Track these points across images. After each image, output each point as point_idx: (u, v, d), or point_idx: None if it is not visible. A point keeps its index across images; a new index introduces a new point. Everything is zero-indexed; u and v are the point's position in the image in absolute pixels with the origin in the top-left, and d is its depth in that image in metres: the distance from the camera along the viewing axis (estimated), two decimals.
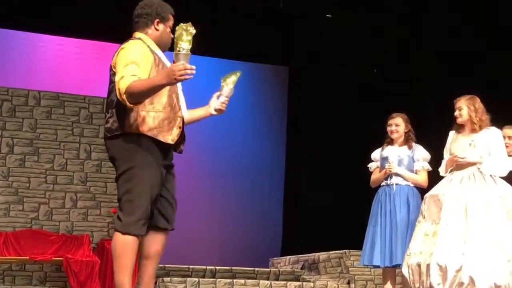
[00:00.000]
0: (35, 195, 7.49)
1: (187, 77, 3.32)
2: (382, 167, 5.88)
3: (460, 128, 5.38)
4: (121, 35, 8.93)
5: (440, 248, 5.01)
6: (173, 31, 3.57)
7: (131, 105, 3.43)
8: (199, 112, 3.90)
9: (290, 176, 9.97)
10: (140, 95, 3.41)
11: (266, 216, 9.88)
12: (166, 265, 7.37)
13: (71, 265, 6.92)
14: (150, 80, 3.44)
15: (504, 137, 5.56)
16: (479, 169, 5.19)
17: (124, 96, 3.41)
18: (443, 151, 5.44)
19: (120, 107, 3.52)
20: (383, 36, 8.90)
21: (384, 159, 5.86)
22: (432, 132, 7.06)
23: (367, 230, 5.87)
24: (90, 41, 8.76)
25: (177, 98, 3.70)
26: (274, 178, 10.06)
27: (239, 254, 8.98)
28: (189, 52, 3.30)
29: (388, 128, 5.90)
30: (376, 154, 6.01)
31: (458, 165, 5.26)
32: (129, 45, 3.61)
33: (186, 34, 3.29)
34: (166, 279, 6.96)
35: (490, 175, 5.18)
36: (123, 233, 3.54)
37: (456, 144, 5.33)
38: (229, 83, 3.75)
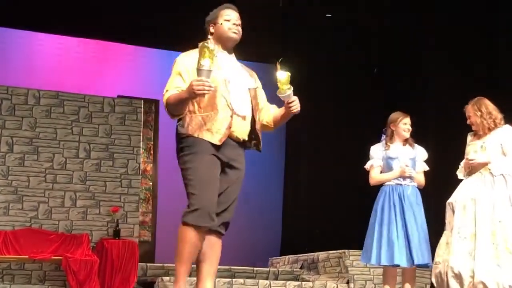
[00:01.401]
0: (34, 194, 7.48)
1: (205, 92, 3.50)
2: (388, 166, 5.81)
3: (476, 132, 5.39)
4: (122, 34, 8.93)
5: (453, 256, 5.02)
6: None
7: (175, 117, 3.77)
8: (281, 112, 4.04)
9: (289, 175, 9.97)
10: (174, 109, 3.72)
11: (265, 216, 9.88)
12: (165, 265, 7.37)
13: (70, 264, 6.91)
14: (178, 95, 3.68)
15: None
16: (489, 170, 5.17)
17: (166, 109, 3.79)
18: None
19: (183, 115, 3.84)
20: (384, 36, 8.90)
21: (392, 159, 5.80)
22: (429, 132, 7.07)
23: (371, 229, 5.75)
24: (90, 40, 8.75)
25: (232, 99, 3.80)
26: (273, 178, 10.06)
27: (238, 253, 8.98)
28: (210, 69, 3.49)
29: (404, 127, 5.82)
30: (377, 152, 5.90)
31: (473, 168, 5.25)
32: (179, 56, 3.91)
33: (208, 52, 3.47)
34: (165, 278, 6.96)
35: (502, 175, 5.14)
36: (183, 224, 3.73)
37: (470, 147, 5.33)
38: (285, 88, 3.85)
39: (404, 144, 5.87)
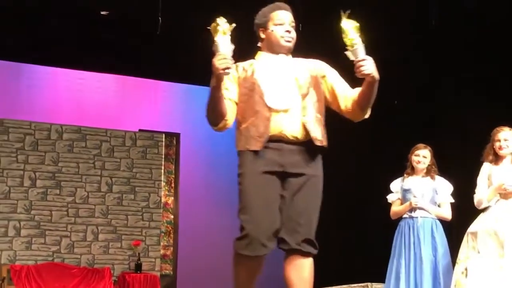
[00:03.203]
0: (57, 228, 7.51)
1: (228, 65, 3.08)
2: (404, 199, 5.81)
3: (498, 159, 5.34)
4: (142, 68, 9.00)
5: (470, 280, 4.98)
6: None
7: (218, 127, 3.37)
8: (364, 87, 3.30)
9: None
10: (209, 110, 3.30)
11: None
12: None
13: None
14: (209, 93, 3.26)
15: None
16: None
17: (208, 121, 3.38)
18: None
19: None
20: (402, 65, 8.89)
21: (406, 191, 5.80)
22: (453, 164, 7.01)
23: (390, 263, 5.79)
24: (111, 74, 8.84)
25: (268, 96, 3.29)
26: None
27: (258, 285, 8.90)
28: (226, 43, 3.11)
29: (415, 158, 5.82)
30: (396, 186, 5.93)
31: (504, 195, 5.21)
32: None
33: (219, 27, 3.12)
34: None
35: None
36: (235, 252, 3.31)
37: (501, 174, 5.27)
38: (353, 42, 3.14)
39: (424, 176, 5.84)
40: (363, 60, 3.12)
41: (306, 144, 3.28)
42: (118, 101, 8.93)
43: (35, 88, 8.37)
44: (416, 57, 8.19)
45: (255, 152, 3.25)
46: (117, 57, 8.04)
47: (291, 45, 3.39)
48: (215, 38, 3.12)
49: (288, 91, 3.32)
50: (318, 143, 3.27)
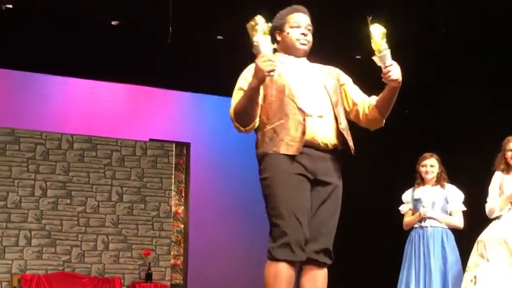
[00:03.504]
0: (67, 237, 7.52)
1: (273, 67, 3.00)
2: (415, 209, 5.81)
3: (509, 168, 5.33)
4: (152, 78, 9.02)
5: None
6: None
7: (247, 129, 3.23)
8: (385, 93, 3.30)
9: None
10: (242, 110, 3.17)
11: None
12: None
13: None
14: (244, 93, 3.17)
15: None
16: None
17: (235, 123, 3.23)
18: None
19: (256, 135, 3.31)
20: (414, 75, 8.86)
21: (417, 201, 5.79)
22: (464, 171, 6.98)
23: (400, 273, 5.77)
24: (122, 84, 8.86)
25: (301, 100, 3.23)
26: None
27: None
28: (267, 43, 3.04)
29: (423, 169, 5.83)
30: (407, 196, 5.94)
31: None
32: (243, 72, 3.34)
33: (257, 27, 3.04)
34: None
35: None
36: (270, 259, 3.13)
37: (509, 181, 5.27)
38: (381, 48, 3.15)
39: (435, 185, 5.82)
40: (391, 65, 3.14)
41: (334, 152, 3.26)
42: (129, 111, 8.95)
43: (46, 98, 8.41)
44: (426, 64, 8.17)
45: (285, 155, 3.16)
46: (128, 67, 8.06)
47: (306, 48, 3.37)
48: (255, 38, 3.04)
49: (321, 97, 3.28)
50: (352, 152, 3.27)
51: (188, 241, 9.33)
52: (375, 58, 3.16)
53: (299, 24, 3.35)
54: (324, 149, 3.22)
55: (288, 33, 3.34)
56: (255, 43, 3.03)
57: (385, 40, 3.12)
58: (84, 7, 7.17)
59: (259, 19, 3.06)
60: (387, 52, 3.13)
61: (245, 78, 3.25)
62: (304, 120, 3.17)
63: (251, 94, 3.11)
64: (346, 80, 3.44)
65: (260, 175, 3.22)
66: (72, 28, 7.43)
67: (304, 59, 3.41)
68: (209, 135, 9.17)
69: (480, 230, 5.47)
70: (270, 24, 3.11)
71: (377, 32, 3.12)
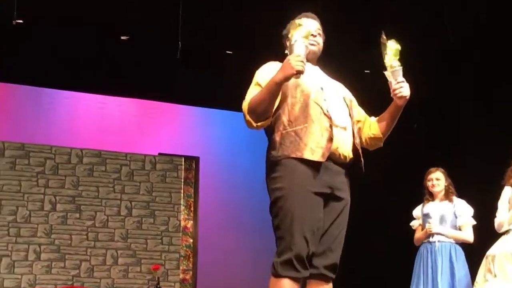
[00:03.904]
0: (76, 252, 7.53)
1: (303, 68, 2.96)
2: (424, 224, 5.81)
3: None
4: (162, 92, 9.04)
5: None
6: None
7: (259, 124, 3.10)
8: (388, 112, 3.31)
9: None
10: (259, 103, 3.06)
11: None
12: None
13: None
14: (265, 85, 3.07)
15: None
16: None
17: (248, 117, 3.10)
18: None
19: (268, 136, 3.21)
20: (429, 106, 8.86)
21: (426, 216, 5.79)
22: (473, 185, 6.96)
23: None
24: (131, 98, 8.89)
25: (329, 107, 3.16)
26: None
27: None
28: (305, 44, 3.02)
29: (429, 183, 5.84)
30: (417, 212, 5.95)
31: None
32: (260, 68, 3.29)
33: (296, 29, 3.04)
34: None
35: None
36: (274, 275, 3.06)
37: None
38: (393, 64, 3.16)
39: (443, 199, 5.81)
40: (402, 81, 3.16)
41: (347, 167, 3.21)
42: (138, 125, 8.97)
43: (55, 113, 8.44)
44: (433, 78, 8.17)
45: (306, 164, 3.07)
46: (137, 82, 8.10)
47: (315, 48, 3.34)
48: (294, 37, 3.02)
49: (343, 108, 3.26)
50: (363, 170, 3.24)
51: (197, 256, 9.31)
52: (386, 73, 3.17)
53: (308, 29, 3.27)
54: (341, 163, 3.17)
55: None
56: (292, 42, 3.01)
57: (398, 57, 3.15)
58: (94, 22, 7.22)
59: (305, 21, 3.09)
60: (400, 69, 3.14)
61: (262, 75, 3.20)
62: (330, 127, 3.10)
63: (273, 88, 3.03)
64: (352, 97, 3.43)
65: (272, 182, 3.11)
66: (82, 43, 7.48)
67: (318, 68, 3.39)
68: (218, 149, 9.18)
69: (490, 244, 5.44)
70: (310, 31, 3.11)
71: (392, 48, 3.15)
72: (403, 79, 3.16)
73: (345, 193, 3.21)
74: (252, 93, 3.15)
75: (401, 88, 3.16)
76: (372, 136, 3.35)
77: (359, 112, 3.42)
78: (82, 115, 8.71)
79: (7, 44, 7.26)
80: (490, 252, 5.24)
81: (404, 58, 3.20)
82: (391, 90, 3.18)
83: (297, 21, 3.07)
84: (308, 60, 3.23)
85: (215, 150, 9.16)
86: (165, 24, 7.29)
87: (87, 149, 7.85)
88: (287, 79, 3.01)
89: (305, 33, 3.04)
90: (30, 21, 6.98)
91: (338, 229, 3.18)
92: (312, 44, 3.29)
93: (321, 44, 3.39)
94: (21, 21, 6.81)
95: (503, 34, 7.32)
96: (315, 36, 3.33)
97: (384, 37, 3.16)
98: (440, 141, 8.56)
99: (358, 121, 3.37)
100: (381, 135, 3.35)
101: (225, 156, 9.17)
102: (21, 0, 6.73)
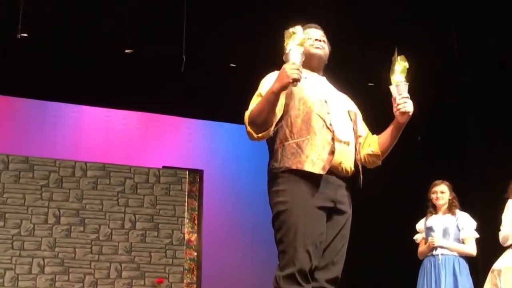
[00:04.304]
0: (80, 265, 7.52)
1: (299, 76, 2.95)
2: (427, 237, 5.79)
3: None
4: (166, 105, 9.05)
5: None
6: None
7: (259, 135, 3.08)
8: (388, 130, 3.30)
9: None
10: (258, 114, 3.05)
11: None
12: None
13: None
14: (263, 96, 3.07)
15: None
16: None
17: (249, 128, 3.09)
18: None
19: (270, 148, 3.20)
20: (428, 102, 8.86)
21: (429, 229, 5.77)
22: (476, 199, 6.95)
23: None
24: (135, 112, 8.91)
25: (332, 120, 3.15)
26: None
27: None
28: (300, 52, 3.01)
29: (433, 196, 5.82)
30: (420, 225, 5.93)
31: None
32: (264, 78, 3.28)
33: (293, 34, 3.02)
34: None
35: None
36: None
37: None
38: (399, 79, 3.18)
39: (446, 212, 5.80)
40: (407, 97, 3.17)
41: (349, 182, 3.20)
42: (142, 138, 8.98)
43: (59, 126, 8.46)
44: (438, 92, 8.17)
45: (308, 175, 3.05)
46: (141, 95, 8.12)
47: (321, 52, 3.34)
48: (289, 46, 3.01)
49: (346, 122, 3.24)
50: (361, 185, 3.23)
51: (201, 269, 9.29)
52: (392, 88, 3.19)
53: (311, 35, 3.33)
54: (343, 177, 3.16)
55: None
56: (287, 50, 3.01)
57: (405, 74, 3.16)
58: (98, 35, 7.25)
59: (299, 29, 3.05)
60: (405, 84, 3.16)
61: (265, 85, 3.18)
62: (332, 140, 3.09)
63: (271, 98, 3.01)
64: (357, 110, 3.41)
65: (275, 195, 3.10)
66: (86, 56, 7.51)
67: (325, 79, 3.38)
68: (222, 162, 9.18)
69: (493, 257, 5.43)
70: (306, 37, 3.11)
71: (401, 64, 3.17)
72: (408, 95, 3.17)
73: (347, 207, 3.20)
74: (253, 104, 3.14)
75: (405, 103, 3.16)
76: (371, 153, 3.34)
77: (363, 127, 3.40)
78: (86, 128, 8.73)
79: (12, 57, 7.29)
80: (496, 266, 5.22)
81: (410, 71, 3.22)
82: (394, 106, 3.18)
83: (290, 29, 3.04)
84: (314, 69, 3.30)
85: (220, 163, 9.16)
86: (169, 37, 7.31)
87: (91, 162, 7.86)
88: (284, 88, 2.99)
89: (300, 40, 3.02)
90: (35, 35, 7.02)
91: (340, 243, 3.17)
92: (317, 48, 3.31)
93: (327, 50, 3.39)
94: (25, 34, 6.84)
95: (510, 47, 7.33)
96: (320, 41, 3.34)
97: (396, 53, 3.18)
98: (444, 154, 8.55)
99: (359, 136, 3.35)
100: (379, 153, 3.33)
101: (230, 169, 9.17)
102: (26, 13, 6.77)
